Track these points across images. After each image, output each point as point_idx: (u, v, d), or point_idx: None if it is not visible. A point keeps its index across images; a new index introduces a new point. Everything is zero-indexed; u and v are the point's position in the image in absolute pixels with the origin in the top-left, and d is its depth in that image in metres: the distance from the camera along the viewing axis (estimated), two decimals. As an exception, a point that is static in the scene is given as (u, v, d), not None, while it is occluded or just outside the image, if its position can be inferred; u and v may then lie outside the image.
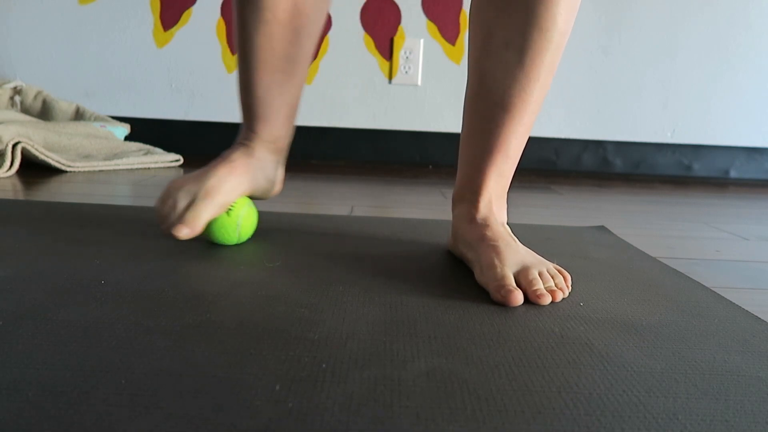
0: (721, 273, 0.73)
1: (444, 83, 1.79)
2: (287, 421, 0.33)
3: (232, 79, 1.78)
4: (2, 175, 1.20)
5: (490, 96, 0.64)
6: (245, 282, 0.58)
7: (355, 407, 0.35)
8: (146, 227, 0.78)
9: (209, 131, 1.80)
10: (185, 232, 0.64)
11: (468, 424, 0.34)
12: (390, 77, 1.78)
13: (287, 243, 0.74)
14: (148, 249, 0.68)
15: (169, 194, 0.67)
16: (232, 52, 1.76)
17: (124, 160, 1.44)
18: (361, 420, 0.34)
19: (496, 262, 0.58)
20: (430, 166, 1.83)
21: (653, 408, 0.37)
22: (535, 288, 0.55)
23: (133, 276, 0.58)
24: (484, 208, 0.66)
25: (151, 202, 1.00)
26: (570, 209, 1.16)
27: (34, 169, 1.32)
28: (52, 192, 1.08)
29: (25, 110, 1.64)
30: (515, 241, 0.63)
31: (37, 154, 1.28)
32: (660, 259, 0.77)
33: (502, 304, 0.54)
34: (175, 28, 1.75)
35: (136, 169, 1.46)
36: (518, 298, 0.54)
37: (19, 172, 1.28)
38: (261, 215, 0.89)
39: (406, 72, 1.78)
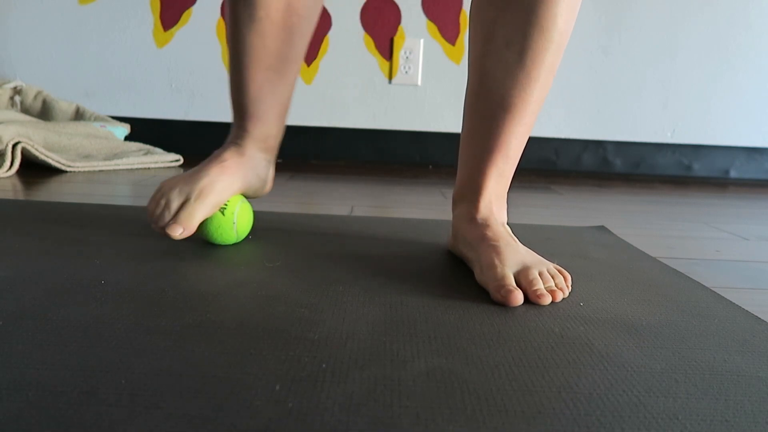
0: (721, 273, 0.73)
1: (444, 83, 1.79)
2: (287, 421, 0.33)
3: (232, 79, 1.78)
4: (2, 175, 1.20)
5: (491, 96, 0.64)
6: (245, 282, 0.58)
7: (355, 407, 0.35)
8: (146, 227, 0.78)
9: (209, 131, 1.80)
10: (180, 231, 0.64)
11: (468, 424, 0.34)
12: (390, 77, 1.78)
13: (287, 243, 0.74)
14: (148, 249, 0.68)
15: (162, 194, 0.67)
16: (232, 52, 1.76)
17: (124, 160, 1.44)
18: (361, 420, 0.34)
19: (497, 262, 0.58)
20: (430, 166, 1.83)
21: (653, 408, 0.37)
22: (535, 288, 0.55)
23: (133, 276, 0.58)
24: (484, 208, 0.66)
25: (151, 202, 1.00)
26: (570, 209, 1.16)
27: (34, 169, 1.32)
28: (52, 192, 1.08)
29: (25, 110, 1.64)
30: (515, 241, 0.63)
31: (37, 154, 1.28)
32: (660, 259, 0.77)
33: (502, 304, 0.54)
34: (175, 28, 1.75)
35: (136, 169, 1.46)
36: (518, 298, 0.54)
37: (19, 172, 1.28)
38: (261, 215, 0.89)
39: (406, 72, 1.78)
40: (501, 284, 0.55)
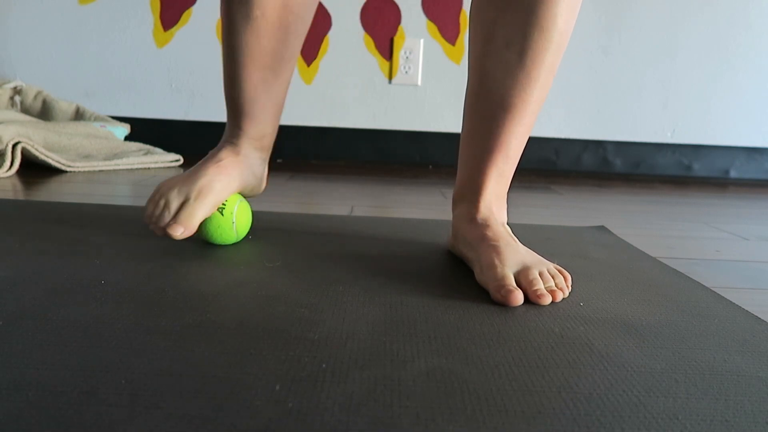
0: (721, 273, 0.73)
1: (444, 83, 1.79)
2: (287, 421, 0.33)
3: (232, 79, 1.78)
4: (2, 175, 1.20)
5: (491, 96, 0.64)
6: (245, 282, 0.58)
7: (355, 407, 0.35)
8: (147, 227, 0.78)
9: (209, 131, 1.80)
10: (180, 231, 0.64)
11: (468, 424, 0.34)
12: (390, 77, 1.78)
13: (287, 243, 0.74)
14: (148, 249, 0.68)
15: (160, 195, 0.67)
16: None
17: (124, 160, 1.44)
18: (361, 420, 0.34)
19: (497, 262, 0.58)
20: (430, 166, 1.83)
21: (653, 408, 0.37)
22: (535, 288, 0.55)
23: (133, 276, 0.58)
24: (484, 208, 0.66)
25: (151, 202, 1.00)
26: (570, 209, 1.16)
27: (34, 169, 1.32)
28: (52, 192, 1.08)
29: (25, 110, 1.64)
30: (515, 241, 0.63)
31: (37, 154, 1.28)
32: (660, 259, 0.77)
33: (502, 304, 0.54)
34: (175, 28, 1.75)
35: (136, 169, 1.46)
36: (518, 298, 0.54)
37: (19, 172, 1.28)
38: (261, 215, 0.89)
39: (406, 72, 1.78)
40: (501, 284, 0.55)
